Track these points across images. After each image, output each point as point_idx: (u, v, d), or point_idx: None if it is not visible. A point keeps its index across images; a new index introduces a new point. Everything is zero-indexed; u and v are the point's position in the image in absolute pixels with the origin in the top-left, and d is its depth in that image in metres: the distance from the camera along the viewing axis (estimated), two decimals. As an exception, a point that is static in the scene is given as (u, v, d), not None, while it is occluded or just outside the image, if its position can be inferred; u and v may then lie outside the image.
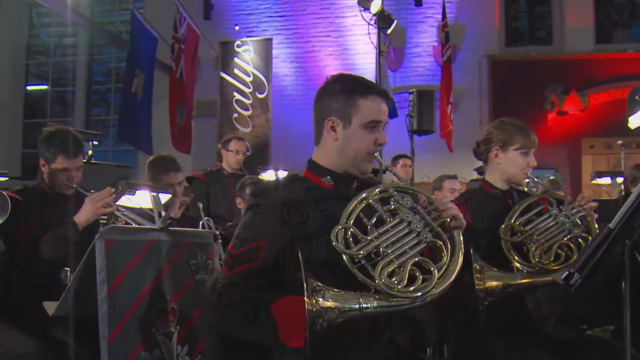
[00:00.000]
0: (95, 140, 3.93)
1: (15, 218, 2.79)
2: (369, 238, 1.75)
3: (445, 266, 1.77)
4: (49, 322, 2.52)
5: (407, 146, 7.29)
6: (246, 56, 9.25)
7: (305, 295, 1.58)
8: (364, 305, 1.67)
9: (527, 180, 2.71)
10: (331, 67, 9.44)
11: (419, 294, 1.71)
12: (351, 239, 1.75)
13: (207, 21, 9.17)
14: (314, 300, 1.61)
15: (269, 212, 1.83)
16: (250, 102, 9.12)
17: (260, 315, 1.69)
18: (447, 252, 1.79)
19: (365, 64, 8.92)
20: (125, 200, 2.67)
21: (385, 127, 1.97)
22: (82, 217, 2.87)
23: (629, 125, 7.18)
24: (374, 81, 2.23)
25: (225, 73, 9.25)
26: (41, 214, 2.92)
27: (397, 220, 1.79)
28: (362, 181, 2.00)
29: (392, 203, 1.83)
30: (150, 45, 7.47)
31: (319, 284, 1.65)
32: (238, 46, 9.28)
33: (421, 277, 1.73)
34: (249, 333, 1.73)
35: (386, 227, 1.78)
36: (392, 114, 8.16)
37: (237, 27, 9.56)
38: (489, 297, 2.35)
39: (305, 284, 1.59)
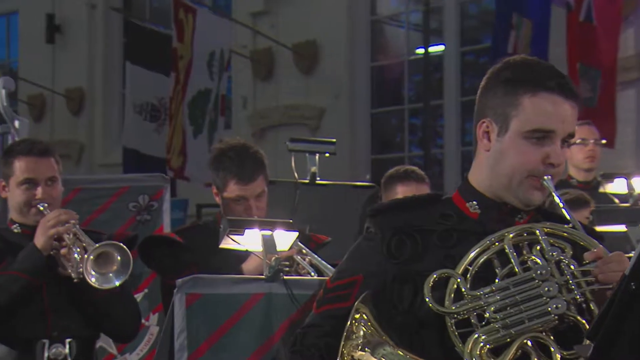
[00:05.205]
0: (327, 152, 3.69)
1: (172, 265, 2.89)
2: (478, 294, 1.72)
3: None
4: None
5: None
6: None
7: (342, 346, 1.70)
8: None
9: None
10: None
11: None
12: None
13: None
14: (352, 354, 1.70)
15: (376, 240, 1.85)
16: None
17: None
18: None
19: None
20: (232, 243, 2.57)
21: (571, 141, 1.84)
22: (250, 265, 2.78)
23: None
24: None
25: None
26: (208, 259, 2.84)
27: (528, 276, 1.72)
28: (539, 213, 1.87)
29: (533, 251, 1.76)
30: None
31: (386, 339, 1.70)
32: None
33: None
34: None
35: (506, 283, 1.73)
36: None
37: None
38: None
39: (345, 334, 1.70)
